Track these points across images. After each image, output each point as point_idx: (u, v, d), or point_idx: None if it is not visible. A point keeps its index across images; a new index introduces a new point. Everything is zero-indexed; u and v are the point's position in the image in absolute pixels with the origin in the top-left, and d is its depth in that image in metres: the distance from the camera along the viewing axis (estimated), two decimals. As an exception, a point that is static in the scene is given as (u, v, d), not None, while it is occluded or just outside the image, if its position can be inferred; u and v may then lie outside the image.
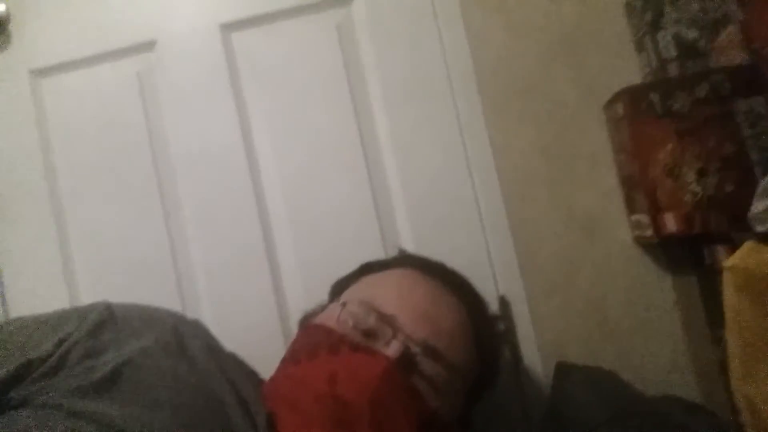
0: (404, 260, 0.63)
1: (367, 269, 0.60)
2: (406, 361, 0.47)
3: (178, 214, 0.81)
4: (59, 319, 0.46)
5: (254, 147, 0.81)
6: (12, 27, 0.86)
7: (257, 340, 0.72)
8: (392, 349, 0.47)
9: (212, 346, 0.53)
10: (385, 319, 0.48)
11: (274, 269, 0.78)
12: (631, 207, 0.75)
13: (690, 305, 0.74)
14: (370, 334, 0.48)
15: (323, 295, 0.62)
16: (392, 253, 0.76)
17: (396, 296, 0.51)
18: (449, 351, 0.49)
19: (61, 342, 0.42)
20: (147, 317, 0.50)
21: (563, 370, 0.66)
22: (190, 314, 0.63)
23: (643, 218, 0.70)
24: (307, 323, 0.56)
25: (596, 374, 0.64)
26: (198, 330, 0.54)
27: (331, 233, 0.78)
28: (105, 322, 0.46)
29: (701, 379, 0.72)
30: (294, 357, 0.51)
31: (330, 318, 0.51)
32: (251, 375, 0.55)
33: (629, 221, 0.76)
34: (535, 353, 0.74)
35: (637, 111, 0.68)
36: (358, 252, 0.74)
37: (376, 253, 0.76)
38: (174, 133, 0.82)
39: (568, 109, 0.78)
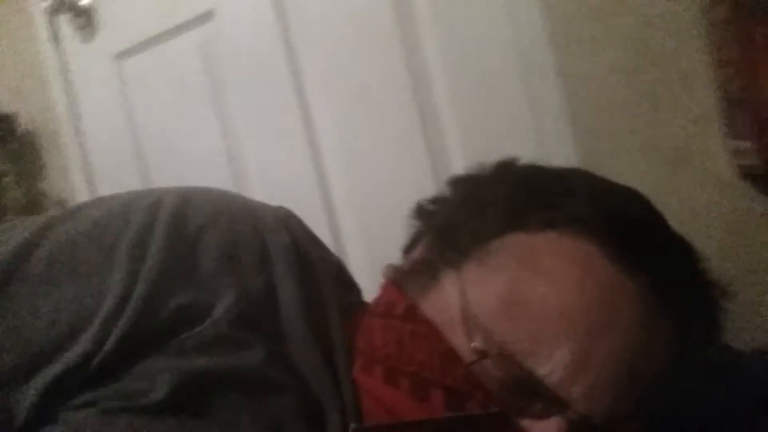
0: (577, 214, 0.32)
1: (518, 221, 0.32)
2: None
3: (245, 180, 0.86)
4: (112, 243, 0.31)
5: (308, 103, 0.82)
6: (98, 17, 0.95)
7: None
8: (550, 429, 0.28)
9: (296, 261, 0.35)
10: (545, 389, 0.28)
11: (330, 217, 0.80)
12: (733, 132, 0.62)
13: (814, 246, 0.61)
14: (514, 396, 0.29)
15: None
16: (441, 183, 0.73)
17: (572, 340, 0.28)
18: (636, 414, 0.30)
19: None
20: (227, 244, 0.34)
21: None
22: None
23: (747, 144, 0.58)
24: (404, 288, 0.35)
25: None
26: (281, 234, 0.36)
27: (383, 172, 0.77)
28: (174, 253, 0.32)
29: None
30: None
31: (446, 319, 0.31)
32: (344, 295, 0.39)
33: (728, 149, 0.64)
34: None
35: (746, 10, 0.55)
36: (407, 186, 0.73)
37: (425, 183, 0.73)
38: (235, 95, 0.86)
39: (656, 21, 0.66)
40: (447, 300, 0.32)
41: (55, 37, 0.98)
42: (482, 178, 0.37)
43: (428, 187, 0.72)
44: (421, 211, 0.40)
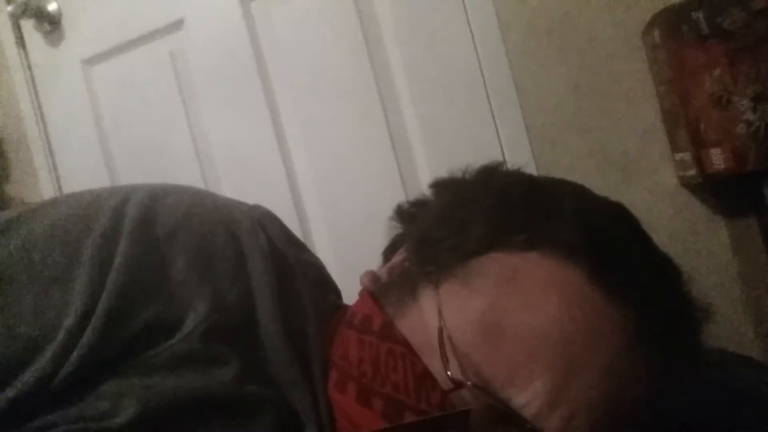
0: (561, 236, 0.30)
1: (501, 239, 0.31)
2: None
3: (216, 184, 0.86)
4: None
5: (277, 107, 0.84)
6: (64, 22, 0.95)
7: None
8: None
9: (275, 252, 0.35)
10: (522, 420, 0.27)
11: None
12: (674, 145, 0.67)
13: (748, 250, 0.66)
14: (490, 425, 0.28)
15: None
16: (412, 194, 0.75)
17: (551, 371, 0.27)
18: None
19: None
20: (200, 259, 0.31)
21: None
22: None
23: (686, 156, 0.63)
24: (382, 302, 0.34)
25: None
26: (258, 238, 0.34)
27: (349, 170, 0.80)
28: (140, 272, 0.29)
29: (760, 330, 0.66)
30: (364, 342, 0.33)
31: (423, 340, 0.30)
32: (322, 300, 0.38)
33: (673, 161, 0.68)
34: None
35: (676, 34, 0.60)
36: (378, 196, 0.76)
37: (396, 194, 0.76)
38: (205, 102, 0.87)
39: (602, 42, 0.70)
40: (424, 320, 0.30)
41: (21, 42, 0.96)
42: (465, 187, 0.36)
43: (395, 187, 0.77)
44: (402, 214, 0.39)
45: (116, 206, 0.31)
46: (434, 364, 0.29)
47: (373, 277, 0.36)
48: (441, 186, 0.38)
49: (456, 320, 0.29)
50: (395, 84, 0.79)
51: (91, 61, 0.92)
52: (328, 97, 0.81)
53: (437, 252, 0.32)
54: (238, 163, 0.85)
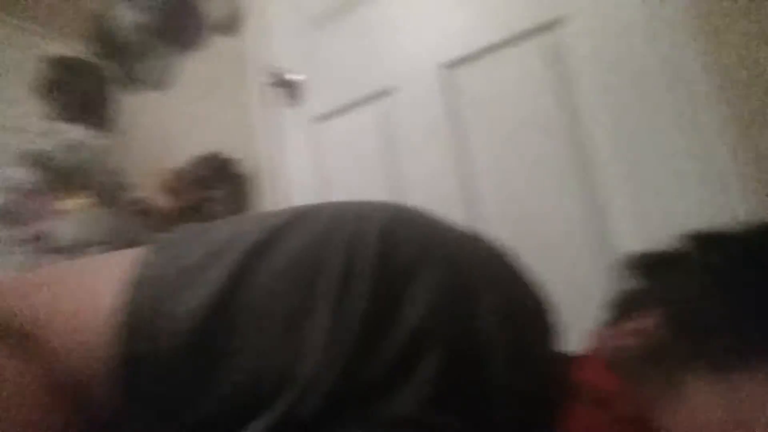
0: None
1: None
2: None
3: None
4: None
5: (473, 172, 0.94)
6: (303, 88, 1.19)
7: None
8: None
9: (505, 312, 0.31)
10: None
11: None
12: None
13: None
14: None
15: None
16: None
17: None
18: None
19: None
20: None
21: None
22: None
23: None
24: (630, 380, 0.29)
25: None
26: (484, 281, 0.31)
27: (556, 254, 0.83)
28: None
29: None
30: None
31: None
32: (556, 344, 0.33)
33: None
34: None
35: None
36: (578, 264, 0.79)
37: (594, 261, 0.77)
38: (405, 159, 1.02)
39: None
40: (695, 418, 0.26)
41: (265, 104, 1.23)
42: (743, 256, 0.29)
43: (593, 253, 0.78)
44: (646, 266, 0.32)
45: (350, 241, 0.29)
46: None
47: (613, 343, 0.31)
48: (705, 243, 0.30)
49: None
50: (596, 159, 0.80)
51: (320, 118, 1.15)
52: (523, 161, 0.87)
53: (709, 346, 0.27)
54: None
